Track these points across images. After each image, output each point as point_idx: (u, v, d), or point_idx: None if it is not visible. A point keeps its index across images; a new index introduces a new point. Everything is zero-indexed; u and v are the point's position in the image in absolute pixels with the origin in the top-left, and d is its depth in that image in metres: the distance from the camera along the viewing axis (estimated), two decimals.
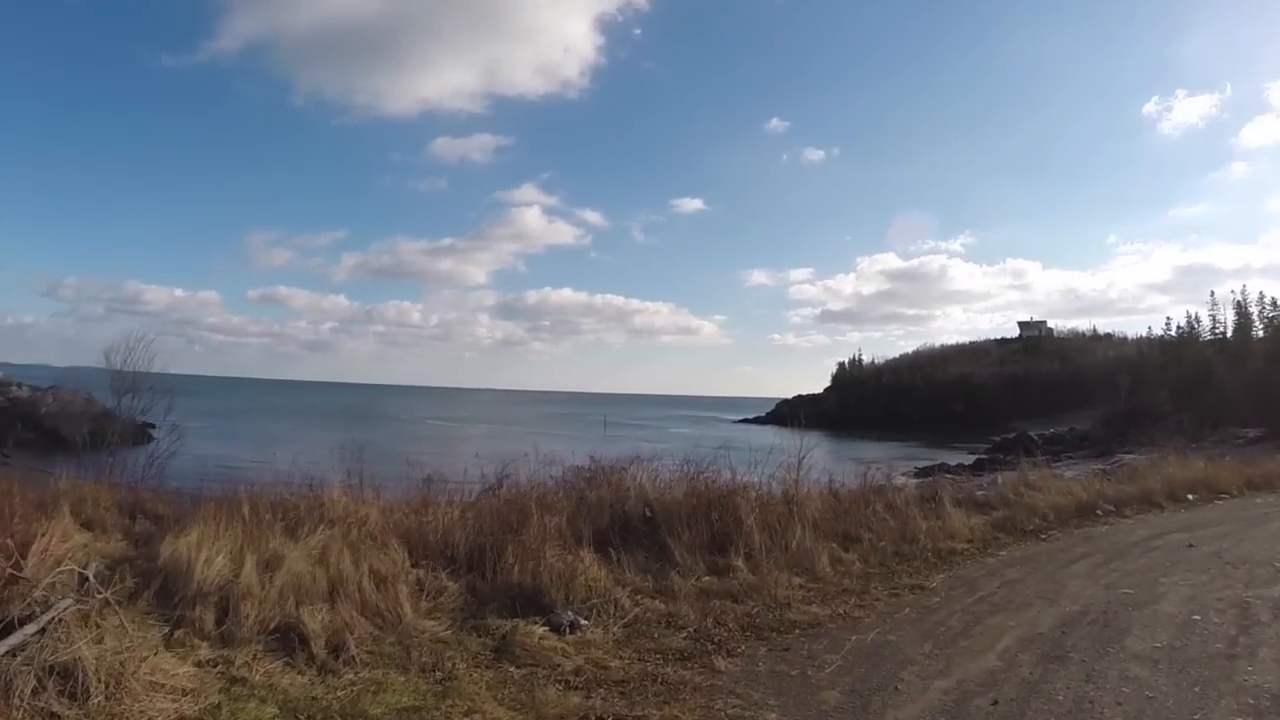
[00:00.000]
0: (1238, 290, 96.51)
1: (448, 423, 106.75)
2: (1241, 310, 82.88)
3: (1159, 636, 7.92)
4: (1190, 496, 17.71)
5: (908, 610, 9.07)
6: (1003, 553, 12.27)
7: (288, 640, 7.30)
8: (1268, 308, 79.65)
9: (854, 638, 8.03)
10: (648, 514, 11.32)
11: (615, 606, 8.67)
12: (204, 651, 7.05)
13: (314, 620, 7.48)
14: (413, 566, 9.22)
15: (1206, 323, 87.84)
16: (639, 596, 9.16)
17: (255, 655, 7.01)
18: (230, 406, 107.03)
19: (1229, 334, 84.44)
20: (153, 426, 63.38)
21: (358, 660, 7.04)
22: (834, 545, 11.43)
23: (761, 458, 13.31)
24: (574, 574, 9.05)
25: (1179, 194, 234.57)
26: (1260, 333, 79.59)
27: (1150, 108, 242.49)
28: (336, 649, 7.18)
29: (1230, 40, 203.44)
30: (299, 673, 6.80)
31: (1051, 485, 16.53)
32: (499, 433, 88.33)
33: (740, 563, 10.29)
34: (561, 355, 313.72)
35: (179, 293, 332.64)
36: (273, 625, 7.53)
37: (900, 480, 16.82)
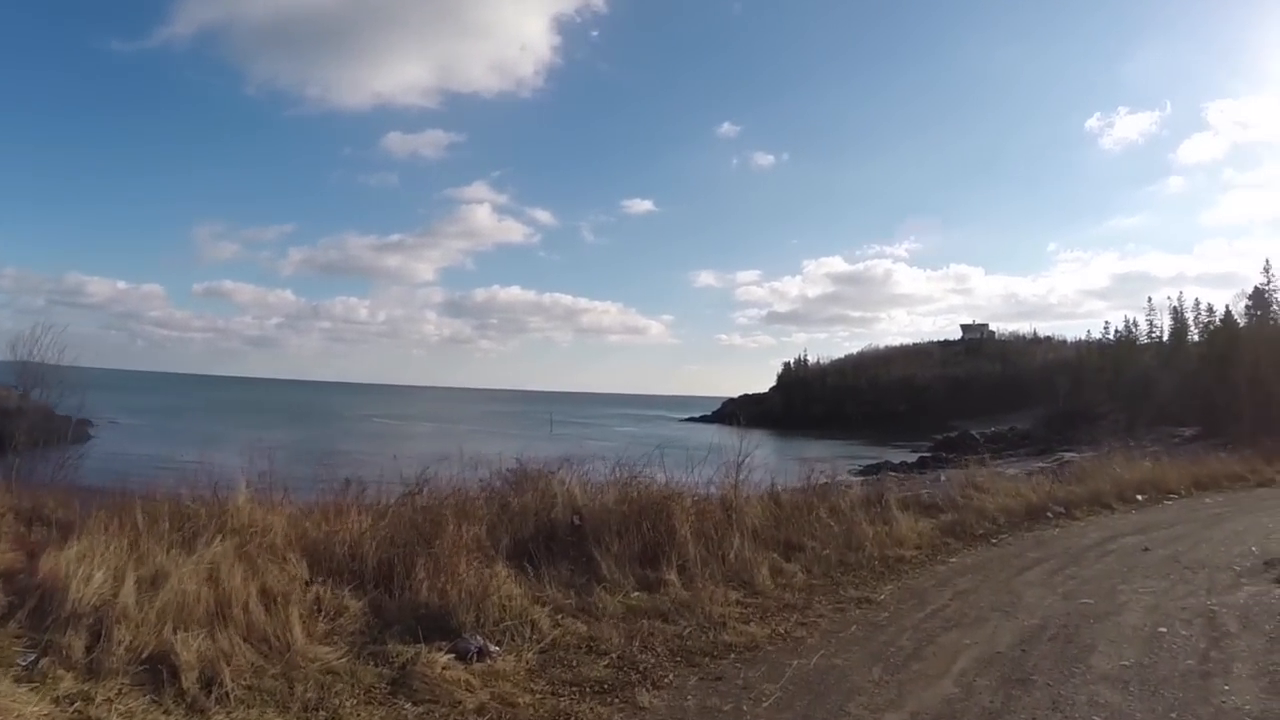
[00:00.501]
0: (1173, 297, 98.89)
1: (392, 420, 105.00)
2: (1178, 316, 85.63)
3: (1126, 653, 7.23)
4: (1139, 497, 17.26)
5: (854, 628, 8.28)
6: (953, 560, 11.57)
7: (157, 672, 6.33)
8: (1203, 314, 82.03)
9: (795, 662, 7.21)
10: (576, 522, 10.46)
11: (532, 629, 7.78)
12: (66, 684, 6.01)
13: (188, 649, 6.48)
14: (313, 582, 8.23)
15: (1144, 327, 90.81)
16: (560, 616, 8.26)
17: (120, 690, 5.98)
18: (172, 403, 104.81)
19: (1165, 338, 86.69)
20: (91, 424, 61.71)
21: (232, 697, 6.04)
22: (775, 555, 10.63)
23: (703, 458, 12.54)
24: (487, 592, 8.11)
25: (1118, 205, 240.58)
26: (1196, 337, 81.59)
27: (1093, 123, 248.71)
28: (210, 682, 6.23)
29: (1172, 61, 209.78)
30: (164, 712, 5.82)
31: (1000, 487, 15.92)
32: (443, 431, 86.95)
33: (673, 576, 9.43)
34: (509, 354, 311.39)
35: (122, 285, 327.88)
36: (146, 654, 6.51)
37: (845, 480, 16.14)
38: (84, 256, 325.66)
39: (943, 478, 46.79)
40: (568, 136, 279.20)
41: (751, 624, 8.31)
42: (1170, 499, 17.84)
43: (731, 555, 10.18)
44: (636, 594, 9.11)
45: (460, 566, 8.36)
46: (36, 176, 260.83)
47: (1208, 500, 17.96)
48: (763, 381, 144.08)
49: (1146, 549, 12.07)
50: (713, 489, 11.95)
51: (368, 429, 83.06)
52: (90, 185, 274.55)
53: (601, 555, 9.74)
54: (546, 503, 10.84)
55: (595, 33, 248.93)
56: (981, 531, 13.23)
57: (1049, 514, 14.77)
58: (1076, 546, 12.40)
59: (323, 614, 7.74)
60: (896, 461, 63.76)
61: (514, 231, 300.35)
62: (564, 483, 11.28)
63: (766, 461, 14.47)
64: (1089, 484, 17.17)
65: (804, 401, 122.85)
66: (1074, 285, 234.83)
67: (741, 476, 12.21)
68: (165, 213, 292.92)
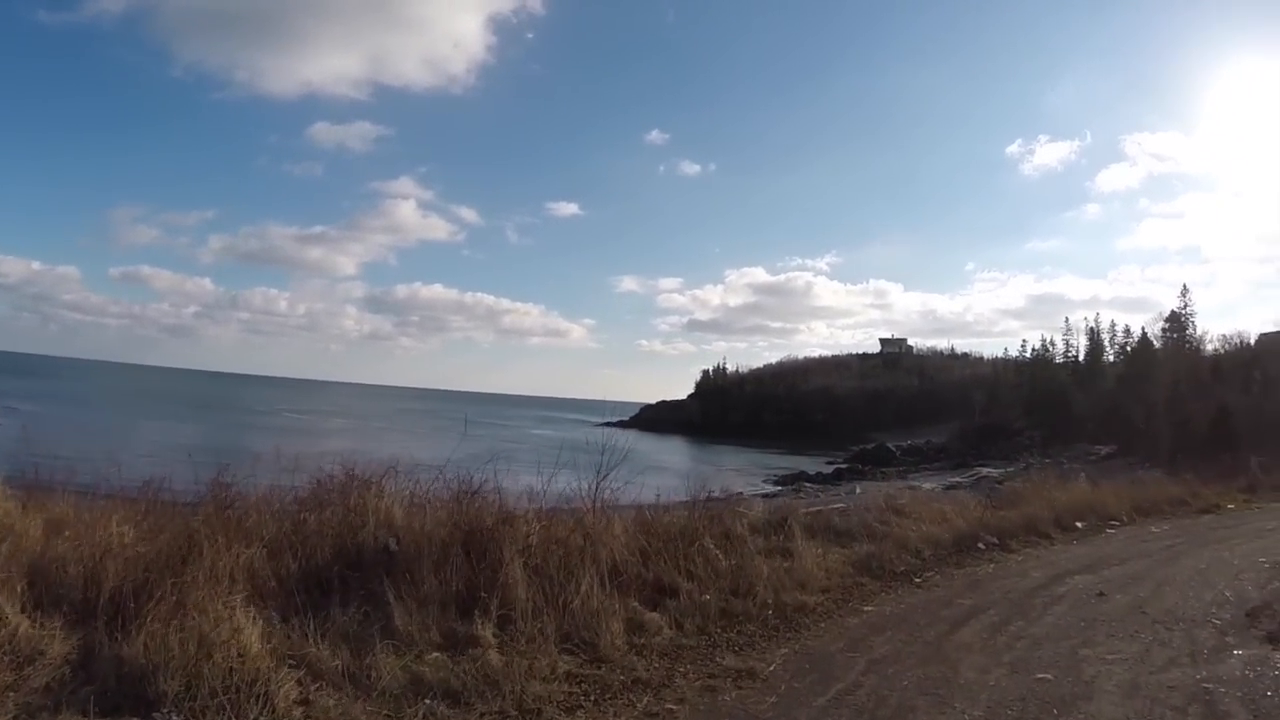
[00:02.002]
0: (1090, 318, 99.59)
1: (303, 415, 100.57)
2: (1095, 337, 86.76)
3: None
4: (1079, 524, 15.08)
5: None
6: (868, 608, 9.06)
7: None
8: (1119, 335, 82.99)
9: None
10: (392, 548, 7.80)
11: (263, 705, 5.17)
12: None
13: None
14: (25, 612, 6.06)
15: (1060, 346, 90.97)
16: (316, 686, 5.62)
17: None
18: (80, 390, 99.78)
19: (1081, 358, 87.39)
20: None
21: None
22: (636, 603, 8.02)
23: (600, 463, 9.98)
24: (211, 646, 5.50)
25: (1035, 229, 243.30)
26: (1111, 358, 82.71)
27: (1014, 149, 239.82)
28: None
29: (1092, 93, 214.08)
30: None
31: (924, 511, 13.59)
32: (352, 428, 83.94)
33: (488, 631, 6.78)
34: (430, 352, 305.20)
35: (36, 265, 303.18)
36: None
37: (745, 498, 13.69)
38: None
39: (858, 489, 45.41)
40: (496, 135, 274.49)
41: (579, 713, 5.70)
42: (1113, 527, 15.72)
43: (576, 602, 7.51)
44: (434, 655, 6.44)
45: (211, 603, 6.03)
46: None
47: (1154, 529, 15.86)
48: (683, 388, 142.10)
49: (1102, 593, 9.80)
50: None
51: (275, 423, 78.86)
52: (6, 157, 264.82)
53: (400, 597, 7.11)
54: (354, 522, 8.26)
55: (530, 35, 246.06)
56: (903, 568, 10.78)
57: (981, 545, 12.44)
58: (1018, 590, 10.02)
59: (13, 663, 5.57)
60: (812, 471, 62.73)
61: (438, 229, 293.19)
62: (383, 495, 8.67)
63: (668, 468, 12.12)
64: (1023, 508, 14.87)
65: (722, 409, 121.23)
66: (991, 304, 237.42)
67: (609, 490, 9.62)
68: (83, 192, 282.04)
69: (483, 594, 7.28)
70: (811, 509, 19.09)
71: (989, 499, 17.41)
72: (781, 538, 11.08)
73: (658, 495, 11.35)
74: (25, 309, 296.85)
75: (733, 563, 9.37)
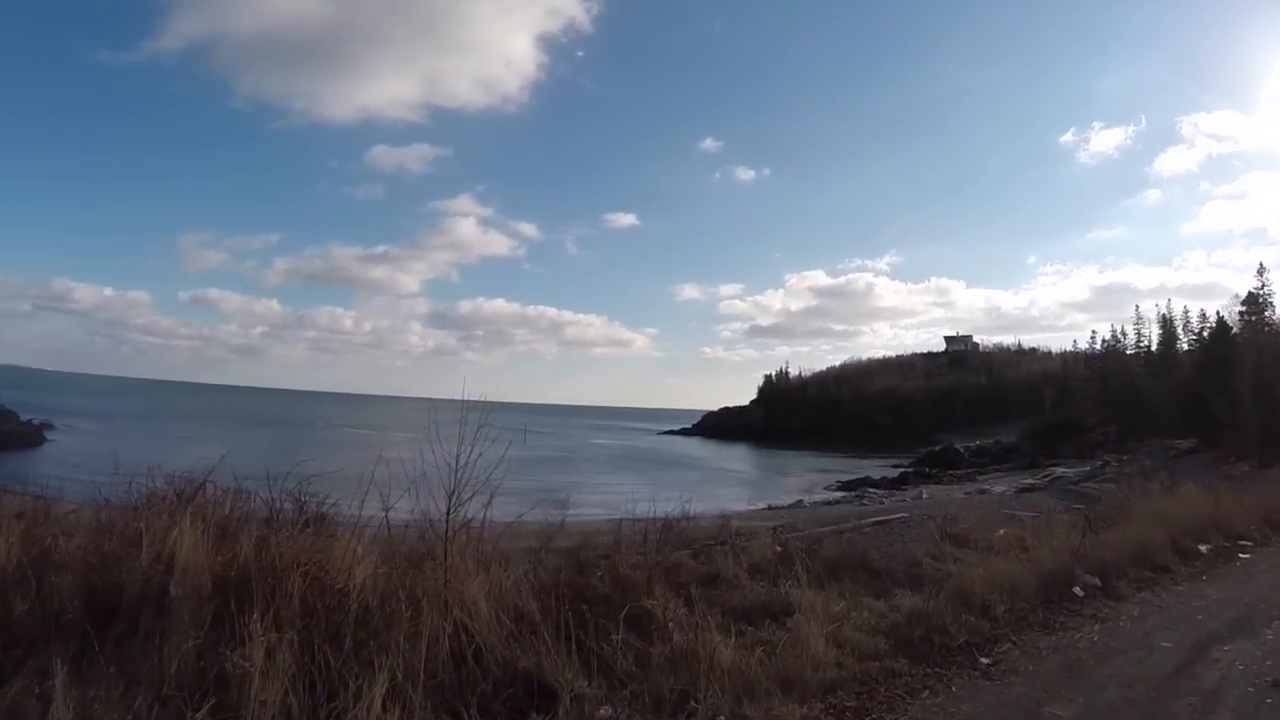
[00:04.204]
0: (1161, 305, 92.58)
1: (361, 430, 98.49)
2: (1167, 324, 79.60)
3: None
4: (1202, 548, 11.01)
5: None
6: None
7: None
8: (1193, 322, 76.45)
9: None
10: (172, 592, 4.95)
11: None
12: None
13: None
14: None
15: (1131, 337, 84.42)
16: None
17: None
18: (145, 408, 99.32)
19: (1154, 348, 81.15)
20: (50, 427, 56.32)
21: None
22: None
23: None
24: None
25: (1096, 218, 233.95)
26: (1185, 346, 76.46)
27: (1068, 138, 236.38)
28: None
29: (1144, 76, 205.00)
30: None
31: (994, 537, 9.65)
32: (408, 440, 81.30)
33: None
34: (494, 365, 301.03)
35: (108, 291, 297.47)
36: None
37: (746, 525, 10.02)
38: (71, 262, 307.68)
39: (925, 494, 41.19)
40: (552, 151, 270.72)
41: None
42: (1245, 549, 11.54)
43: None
44: None
45: None
46: (25, 182, 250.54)
47: None
48: (747, 395, 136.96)
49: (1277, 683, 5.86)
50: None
51: (332, 437, 76.66)
52: (78, 192, 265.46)
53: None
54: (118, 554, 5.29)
55: (580, 52, 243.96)
56: (963, 638, 6.82)
57: (1078, 589, 8.44)
58: (1144, 678, 6.11)
59: None
60: (877, 476, 58.62)
61: (499, 244, 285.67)
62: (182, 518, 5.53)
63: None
64: (1129, 529, 10.77)
65: (785, 414, 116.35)
66: (1055, 298, 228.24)
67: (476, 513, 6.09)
68: (152, 221, 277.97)
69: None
70: (843, 528, 15.23)
71: (1078, 510, 13.33)
72: (780, 585, 7.41)
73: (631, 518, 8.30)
74: (98, 333, 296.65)
75: (683, 639, 5.64)
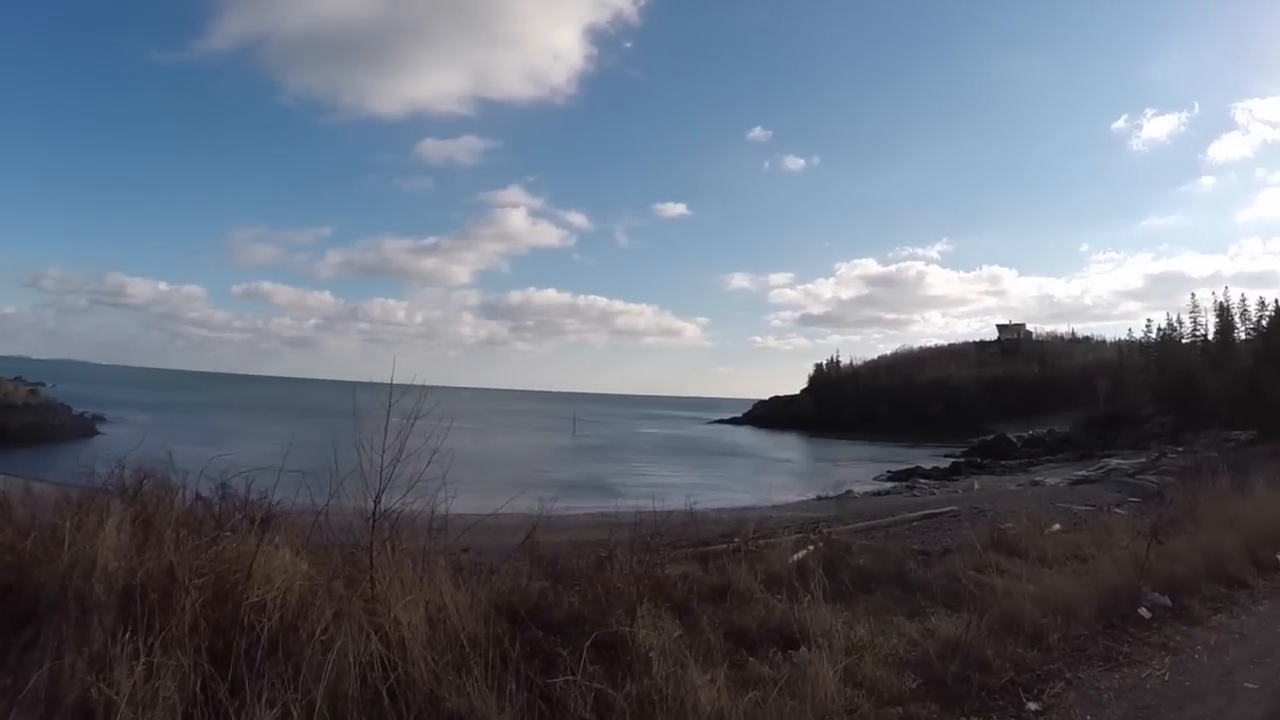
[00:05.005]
0: (1219, 293, 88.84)
1: (409, 420, 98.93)
2: (1224, 313, 76.43)
3: None
4: None
5: None
6: None
7: None
8: (1251, 311, 73.37)
9: None
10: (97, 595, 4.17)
11: None
12: None
13: None
14: None
15: (1187, 326, 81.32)
16: None
17: None
18: (198, 400, 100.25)
19: (1211, 336, 78.13)
20: (103, 420, 56.69)
21: None
22: None
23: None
24: None
25: (1150, 205, 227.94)
26: (1243, 335, 73.48)
27: (1120, 125, 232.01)
28: None
29: (1197, 61, 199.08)
30: None
31: (1048, 544, 8.39)
32: (460, 429, 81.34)
33: None
34: (545, 355, 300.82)
35: (163, 286, 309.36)
36: None
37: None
38: (126, 258, 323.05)
39: (976, 485, 39.68)
40: (601, 141, 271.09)
41: None
42: None
43: None
44: None
45: None
46: (80, 179, 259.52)
47: None
48: (797, 384, 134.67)
49: None
50: None
51: (380, 426, 76.98)
52: (131, 188, 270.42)
53: None
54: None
55: (628, 43, 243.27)
56: (1008, 675, 5.64)
57: (1144, 610, 7.19)
58: None
59: None
60: (928, 466, 56.92)
61: (549, 235, 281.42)
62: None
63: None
64: (1198, 535, 9.46)
65: (836, 403, 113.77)
66: (1109, 286, 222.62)
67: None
68: (205, 217, 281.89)
69: None
70: (890, 521, 14.05)
71: (1134, 504, 11.96)
72: (793, 602, 6.30)
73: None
74: (153, 327, 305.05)
75: (645, 684, 4.55)
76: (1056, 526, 12.08)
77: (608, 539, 6.63)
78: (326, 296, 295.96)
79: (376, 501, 4.88)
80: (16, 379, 60.61)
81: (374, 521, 4.84)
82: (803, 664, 5.19)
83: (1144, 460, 48.16)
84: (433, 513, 5.39)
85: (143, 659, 3.81)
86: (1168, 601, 7.40)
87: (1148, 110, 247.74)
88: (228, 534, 4.93)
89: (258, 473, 5.35)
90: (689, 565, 7.93)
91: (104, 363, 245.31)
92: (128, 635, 3.90)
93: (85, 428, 57.34)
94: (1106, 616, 6.92)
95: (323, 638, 4.18)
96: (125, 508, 4.99)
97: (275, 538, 4.93)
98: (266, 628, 4.19)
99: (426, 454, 5.49)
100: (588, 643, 4.74)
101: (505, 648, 4.53)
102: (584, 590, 5.68)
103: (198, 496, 5.40)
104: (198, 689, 3.85)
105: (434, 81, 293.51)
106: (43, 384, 69.24)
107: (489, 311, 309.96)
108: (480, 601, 5.03)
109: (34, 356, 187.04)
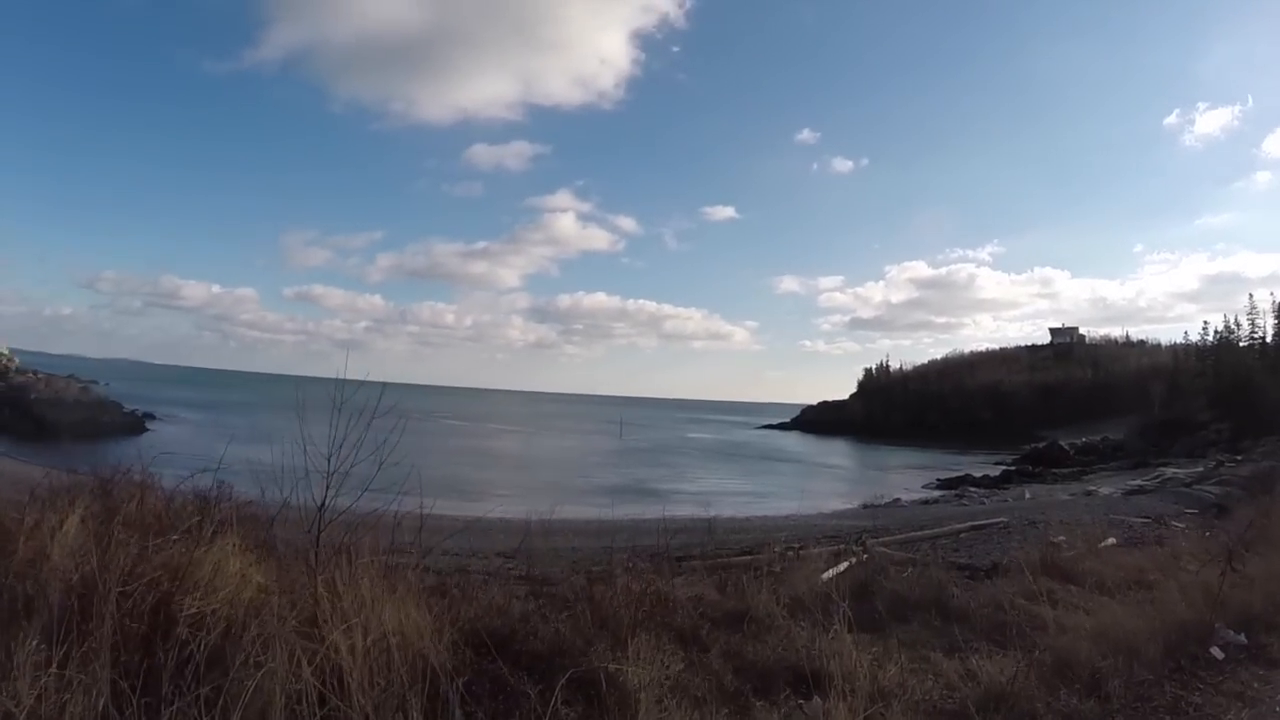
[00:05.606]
0: (1275, 295, 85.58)
1: (458, 421, 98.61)
2: None
3: None
4: None
5: None
6: None
7: None
8: None
9: None
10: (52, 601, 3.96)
11: None
12: None
13: None
14: None
15: (1245, 328, 78.70)
16: None
17: None
18: (247, 399, 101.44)
19: (1269, 339, 75.56)
20: (153, 418, 57.70)
21: None
22: None
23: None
24: None
25: (1204, 203, 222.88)
26: None
27: (1171, 120, 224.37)
28: None
29: (1250, 54, 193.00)
30: None
31: (1107, 569, 7.48)
32: (503, 432, 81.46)
33: None
34: (594, 359, 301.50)
35: (216, 289, 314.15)
36: None
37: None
38: (180, 261, 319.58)
39: (1027, 494, 38.38)
40: (649, 145, 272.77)
41: None
42: None
43: None
44: None
45: None
46: (135, 185, 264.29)
47: None
48: (847, 389, 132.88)
49: None
50: None
51: (426, 427, 77.03)
52: (187, 194, 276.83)
53: None
54: None
55: (675, 47, 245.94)
56: None
57: (1216, 649, 6.28)
58: None
59: None
60: (978, 474, 55.53)
61: (598, 239, 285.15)
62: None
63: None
64: (1274, 559, 8.43)
65: (885, 409, 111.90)
66: (1163, 288, 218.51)
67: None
68: (257, 220, 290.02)
69: None
70: (921, 533, 13.17)
71: (1192, 515, 10.93)
72: (817, 633, 5.56)
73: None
74: (206, 328, 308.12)
75: None
76: (1112, 541, 11.11)
77: (607, 552, 5.93)
78: (377, 299, 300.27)
79: (321, 506, 4.20)
80: (70, 377, 62.44)
81: (318, 530, 4.16)
82: (816, 716, 4.42)
83: (1201, 469, 46.37)
84: (398, 518, 4.74)
85: (53, 669, 3.47)
86: (1243, 639, 6.47)
87: (1200, 104, 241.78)
88: (175, 538, 4.40)
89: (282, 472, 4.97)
90: (704, 585, 7.18)
91: (158, 362, 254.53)
92: (36, 643, 3.57)
93: (135, 425, 59.03)
94: (1174, 657, 6.01)
95: (258, 660, 3.60)
96: (89, 504, 4.77)
97: (230, 543, 4.39)
98: (203, 643, 3.71)
99: (422, 454, 4.88)
100: (563, 680, 4.05)
101: (461, 684, 3.85)
102: (574, 614, 4.99)
103: (168, 496, 5.02)
104: (110, 707, 3.44)
105: (482, 87, 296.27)
106: (95, 382, 71.34)
107: (538, 315, 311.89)
108: (445, 627, 4.36)
109: (90, 356, 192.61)
